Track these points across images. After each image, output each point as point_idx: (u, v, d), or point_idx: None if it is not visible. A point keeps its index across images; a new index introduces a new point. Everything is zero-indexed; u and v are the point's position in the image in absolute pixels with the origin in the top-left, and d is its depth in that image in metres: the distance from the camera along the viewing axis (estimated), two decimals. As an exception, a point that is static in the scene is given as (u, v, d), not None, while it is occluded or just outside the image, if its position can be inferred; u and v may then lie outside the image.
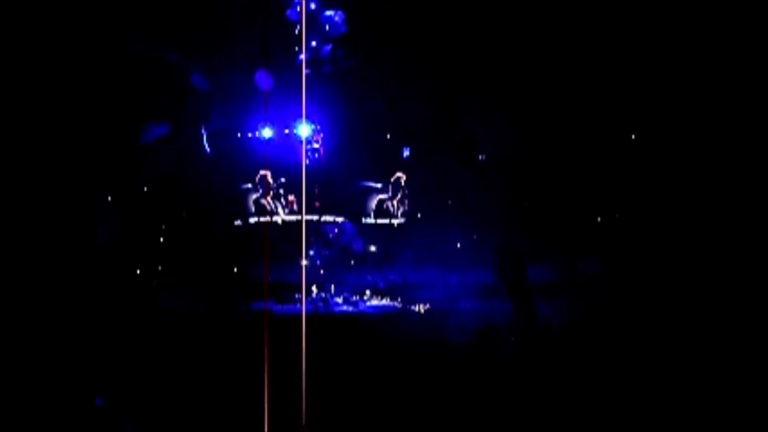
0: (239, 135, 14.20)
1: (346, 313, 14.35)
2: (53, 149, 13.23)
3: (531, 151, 13.86)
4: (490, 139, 14.08)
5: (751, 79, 12.86)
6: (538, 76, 13.63)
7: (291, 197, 14.07)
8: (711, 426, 11.35)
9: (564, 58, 13.45)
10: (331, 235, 14.41)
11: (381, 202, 14.19)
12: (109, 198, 13.76)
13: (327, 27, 13.95)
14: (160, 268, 13.89)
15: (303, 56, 13.85)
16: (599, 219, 13.90)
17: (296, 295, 13.96)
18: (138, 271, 13.78)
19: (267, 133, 14.12)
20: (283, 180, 14.09)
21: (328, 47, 14.13)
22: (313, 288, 14.39)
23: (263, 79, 13.74)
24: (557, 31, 13.43)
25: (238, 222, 14.18)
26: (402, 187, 14.14)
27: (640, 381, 12.24)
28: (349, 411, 11.94)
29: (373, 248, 14.41)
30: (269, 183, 14.06)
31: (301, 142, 14.07)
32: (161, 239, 14.07)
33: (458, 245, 14.31)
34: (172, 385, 12.61)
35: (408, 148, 14.26)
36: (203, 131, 14.15)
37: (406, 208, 14.17)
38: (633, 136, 13.63)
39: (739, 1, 12.85)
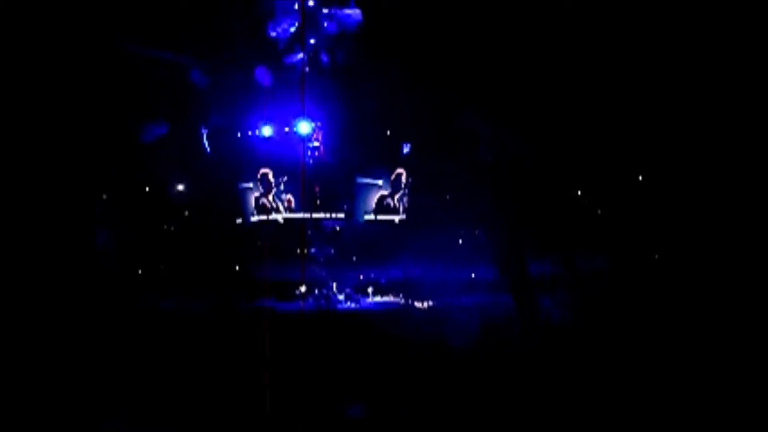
0: (239, 134, 14.17)
1: (348, 310, 14.36)
2: (52, 150, 13.18)
3: (531, 145, 13.87)
4: (491, 134, 14.07)
5: (751, 78, 12.87)
6: (537, 70, 13.61)
7: (288, 196, 14.05)
8: (711, 422, 11.36)
9: (563, 54, 13.42)
10: (332, 233, 14.39)
11: (382, 198, 14.16)
12: (109, 198, 13.73)
13: (325, 24, 13.91)
14: (161, 268, 13.87)
15: (302, 54, 13.85)
16: (599, 212, 13.92)
17: (298, 293, 13.98)
18: (139, 272, 13.76)
19: (267, 131, 14.08)
20: (284, 178, 14.07)
21: (328, 45, 14.08)
22: (315, 286, 14.38)
23: (263, 76, 13.70)
24: (557, 27, 13.40)
25: (239, 221, 14.15)
26: (403, 183, 14.12)
27: (641, 376, 12.27)
28: (352, 412, 11.97)
29: (374, 245, 14.40)
30: (270, 181, 14.04)
31: (302, 139, 14.05)
32: (162, 239, 14.04)
33: (460, 241, 14.31)
34: (173, 385, 12.57)
35: (408, 145, 14.23)
36: (203, 130, 14.11)
37: (407, 204, 14.14)
38: (634, 130, 13.64)
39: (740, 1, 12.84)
